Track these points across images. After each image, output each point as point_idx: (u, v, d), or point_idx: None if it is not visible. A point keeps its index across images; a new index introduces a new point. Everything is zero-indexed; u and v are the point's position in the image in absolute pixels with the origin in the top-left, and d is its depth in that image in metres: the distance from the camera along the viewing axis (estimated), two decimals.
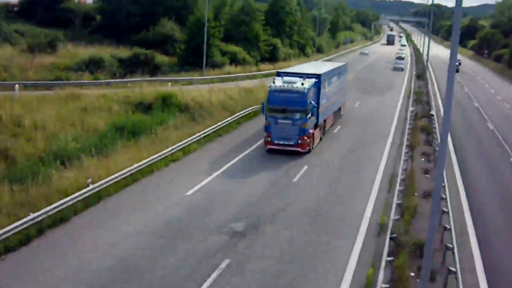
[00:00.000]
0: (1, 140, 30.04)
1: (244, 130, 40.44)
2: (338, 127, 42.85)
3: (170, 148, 31.37)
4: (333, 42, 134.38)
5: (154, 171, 29.07)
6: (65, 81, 48.97)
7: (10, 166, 27.06)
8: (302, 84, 33.63)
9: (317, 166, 31.84)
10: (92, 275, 17.79)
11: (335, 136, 40.07)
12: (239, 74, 67.29)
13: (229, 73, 66.59)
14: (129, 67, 59.83)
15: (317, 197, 26.37)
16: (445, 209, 23.12)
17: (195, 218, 23.00)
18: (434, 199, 13.56)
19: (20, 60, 52.99)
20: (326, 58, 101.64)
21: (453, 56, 12.69)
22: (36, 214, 20.36)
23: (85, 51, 61.23)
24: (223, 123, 39.52)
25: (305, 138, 33.42)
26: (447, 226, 21.24)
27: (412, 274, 18.40)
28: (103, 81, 52.41)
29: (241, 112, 43.74)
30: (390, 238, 20.43)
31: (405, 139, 38.06)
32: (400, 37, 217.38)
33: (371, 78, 77.90)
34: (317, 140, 36.11)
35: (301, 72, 37.13)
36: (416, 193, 26.45)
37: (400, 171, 30.06)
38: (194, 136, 34.66)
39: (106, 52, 62.33)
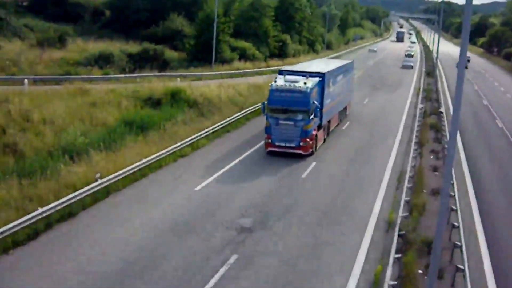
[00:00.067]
0: (10, 134, 30.10)
1: (253, 126, 40.37)
2: (347, 123, 42.76)
3: (178, 144, 31.39)
4: (342, 39, 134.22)
5: (163, 166, 29.09)
6: (74, 76, 48.90)
7: (18, 161, 27.09)
8: (305, 83, 31.97)
9: (325, 162, 31.79)
10: (100, 269, 17.83)
11: (343, 132, 39.97)
12: (248, 70, 67.18)
13: (238, 69, 66.44)
14: (138, 62, 59.84)
15: (325, 193, 26.35)
16: (454, 207, 23.05)
17: (204, 213, 23.02)
18: (443, 196, 13.52)
19: (29, 55, 53.17)
20: (336, 54, 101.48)
21: (463, 53, 12.61)
22: (44, 209, 20.41)
23: (95, 46, 61.31)
24: (232, 119, 39.56)
25: (308, 140, 31.85)
26: (455, 223, 21.18)
27: (420, 271, 18.36)
28: (112, 76, 52.34)
29: (250, 108, 43.74)
30: (398, 235, 20.37)
31: (414, 137, 37.92)
32: (410, 34, 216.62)
33: (380, 75, 77.67)
34: (320, 142, 34.73)
35: (305, 70, 35.29)
36: (424, 191, 26.41)
37: (408, 168, 29.96)
38: (203, 132, 34.68)
39: (116, 47, 62.38)
